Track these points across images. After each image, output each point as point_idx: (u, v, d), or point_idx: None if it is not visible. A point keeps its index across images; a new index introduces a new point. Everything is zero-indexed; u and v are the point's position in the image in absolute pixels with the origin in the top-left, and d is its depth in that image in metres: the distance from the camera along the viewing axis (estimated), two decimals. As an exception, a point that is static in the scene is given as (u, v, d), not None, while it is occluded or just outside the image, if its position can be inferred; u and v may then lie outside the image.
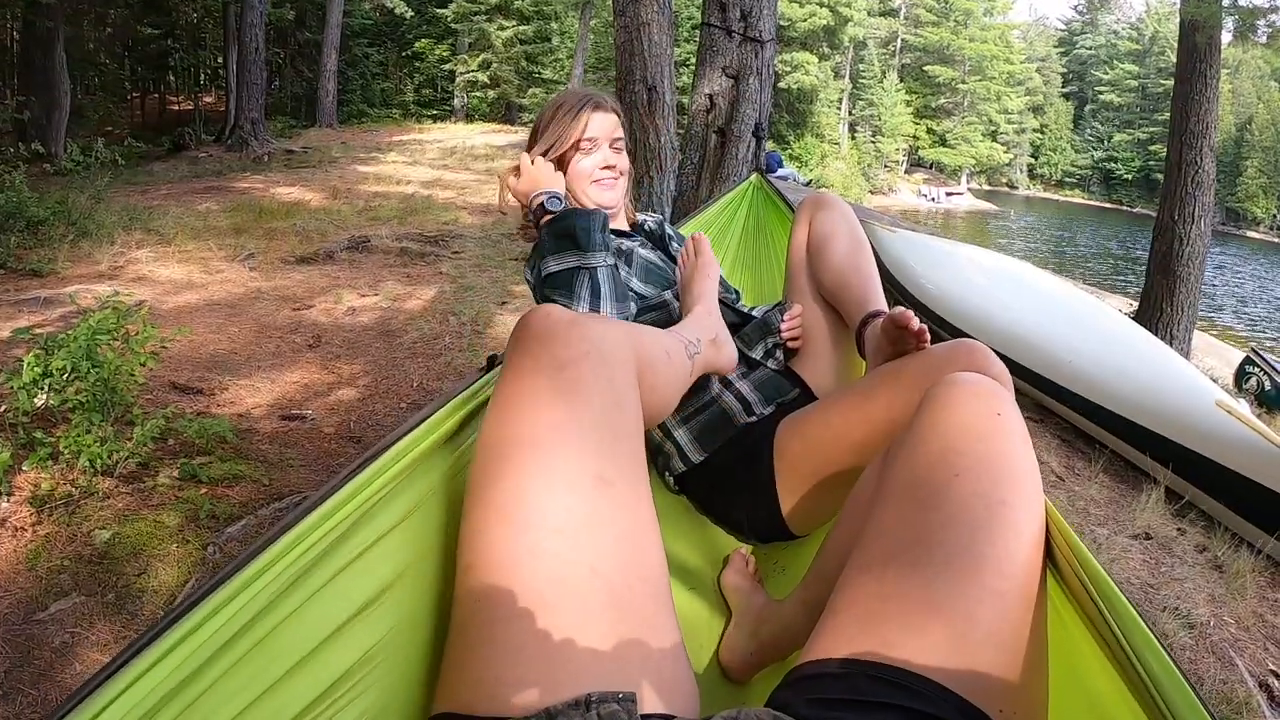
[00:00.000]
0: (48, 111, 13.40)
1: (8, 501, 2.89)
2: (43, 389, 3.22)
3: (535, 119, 2.30)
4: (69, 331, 3.36)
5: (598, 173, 2.22)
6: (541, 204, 2.01)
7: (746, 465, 1.90)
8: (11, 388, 3.18)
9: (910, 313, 1.70)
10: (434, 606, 1.28)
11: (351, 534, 1.18)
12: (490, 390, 1.51)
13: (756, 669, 1.80)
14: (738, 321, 2.17)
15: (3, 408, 3.28)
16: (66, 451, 3.06)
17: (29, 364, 3.19)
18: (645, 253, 2.26)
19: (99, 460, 3.05)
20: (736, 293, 2.50)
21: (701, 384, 2.00)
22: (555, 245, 1.93)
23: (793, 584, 1.81)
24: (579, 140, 2.19)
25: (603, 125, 2.23)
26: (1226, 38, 9.99)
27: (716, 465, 1.95)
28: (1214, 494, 4.42)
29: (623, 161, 2.29)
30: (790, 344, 2.14)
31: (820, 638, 1.12)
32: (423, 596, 1.27)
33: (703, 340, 1.83)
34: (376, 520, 1.23)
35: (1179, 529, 4.21)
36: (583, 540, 1.12)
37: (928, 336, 1.70)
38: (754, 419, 1.98)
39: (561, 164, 2.20)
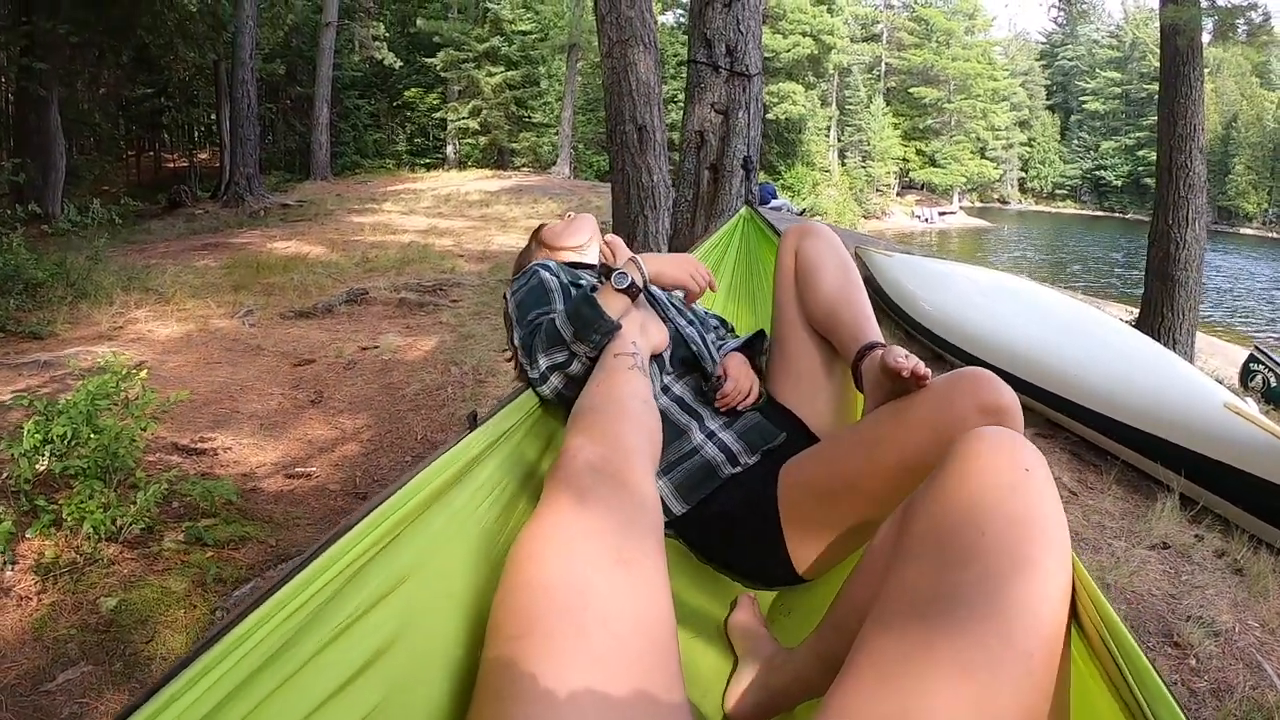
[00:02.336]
0: (44, 172, 13.45)
1: (12, 570, 2.86)
2: (44, 455, 3.19)
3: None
4: (69, 397, 3.34)
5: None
6: (621, 275, 1.99)
7: (749, 514, 1.86)
8: (12, 454, 3.15)
9: (904, 356, 1.66)
10: (432, 670, 1.26)
11: (340, 599, 1.17)
12: (481, 444, 1.66)
13: (765, 719, 1.77)
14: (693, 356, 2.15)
15: (4, 474, 3.25)
16: (70, 518, 3.02)
17: (29, 430, 3.16)
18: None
19: (103, 527, 3.02)
20: (719, 320, 2.50)
21: (682, 433, 1.99)
22: (585, 313, 1.91)
23: (801, 628, 1.78)
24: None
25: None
26: (1206, 38, 10.02)
27: (712, 515, 1.92)
28: (1229, 497, 4.34)
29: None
30: (733, 404, 2.10)
31: (838, 695, 1.09)
32: (420, 661, 1.25)
33: (637, 341, 1.88)
34: (368, 584, 1.22)
35: (1196, 535, 4.14)
36: (609, 615, 1.16)
37: (927, 374, 1.65)
38: (739, 469, 1.95)
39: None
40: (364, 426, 4.86)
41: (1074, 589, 1.17)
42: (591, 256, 2.44)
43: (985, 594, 1.06)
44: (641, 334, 1.91)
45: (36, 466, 3.18)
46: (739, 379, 2.10)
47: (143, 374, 3.67)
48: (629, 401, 1.70)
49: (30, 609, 2.72)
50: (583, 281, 2.21)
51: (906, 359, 1.65)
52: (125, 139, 28.04)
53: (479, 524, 1.57)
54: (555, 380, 1.91)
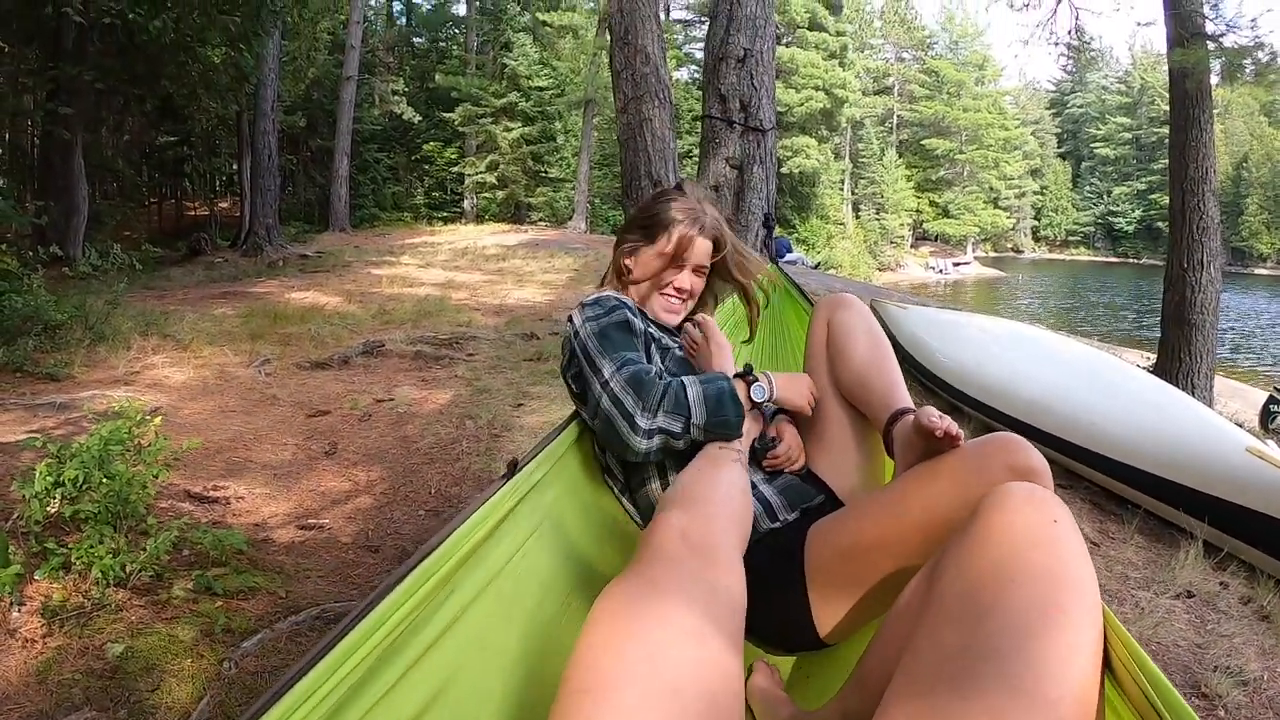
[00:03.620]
0: (66, 216, 13.56)
1: (19, 612, 2.83)
2: (55, 498, 3.18)
3: (649, 211, 2.37)
4: (82, 440, 3.34)
5: (671, 292, 2.31)
6: (761, 388, 2.04)
7: (775, 575, 1.84)
8: (24, 496, 3.14)
9: (938, 415, 1.67)
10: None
11: (383, 666, 1.15)
12: (513, 498, 1.67)
13: None
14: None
15: (15, 515, 3.24)
16: (79, 562, 3.00)
17: (41, 473, 3.15)
18: (680, 354, 2.25)
19: (111, 572, 2.99)
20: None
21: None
22: (727, 412, 1.94)
23: (821, 692, 1.76)
24: (680, 256, 2.29)
25: (702, 251, 2.32)
26: (1214, 80, 10.02)
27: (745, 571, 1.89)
28: (1254, 542, 4.25)
29: (698, 284, 2.37)
30: (779, 467, 2.10)
31: None
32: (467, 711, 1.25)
33: (746, 432, 1.95)
34: (409, 650, 1.22)
35: (1221, 583, 4.09)
36: (680, 686, 1.15)
37: (960, 435, 1.66)
38: (778, 524, 1.94)
39: (648, 266, 2.30)
40: (377, 479, 4.83)
41: (1107, 640, 1.17)
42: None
43: (1015, 647, 1.06)
44: (753, 421, 1.97)
45: (48, 509, 3.16)
46: (792, 444, 2.12)
47: (157, 420, 3.66)
48: (729, 489, 1.72)
49: (36, 651, 2.70)
50: (666, 342, 2.23)
51: (941, 419, 1.65)
52: (148, 186, 28.30)
53: (513, 581, 1.58)
54: (657, 442, 1.89)
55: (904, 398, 1.98)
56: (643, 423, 1.86)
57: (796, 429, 2.20)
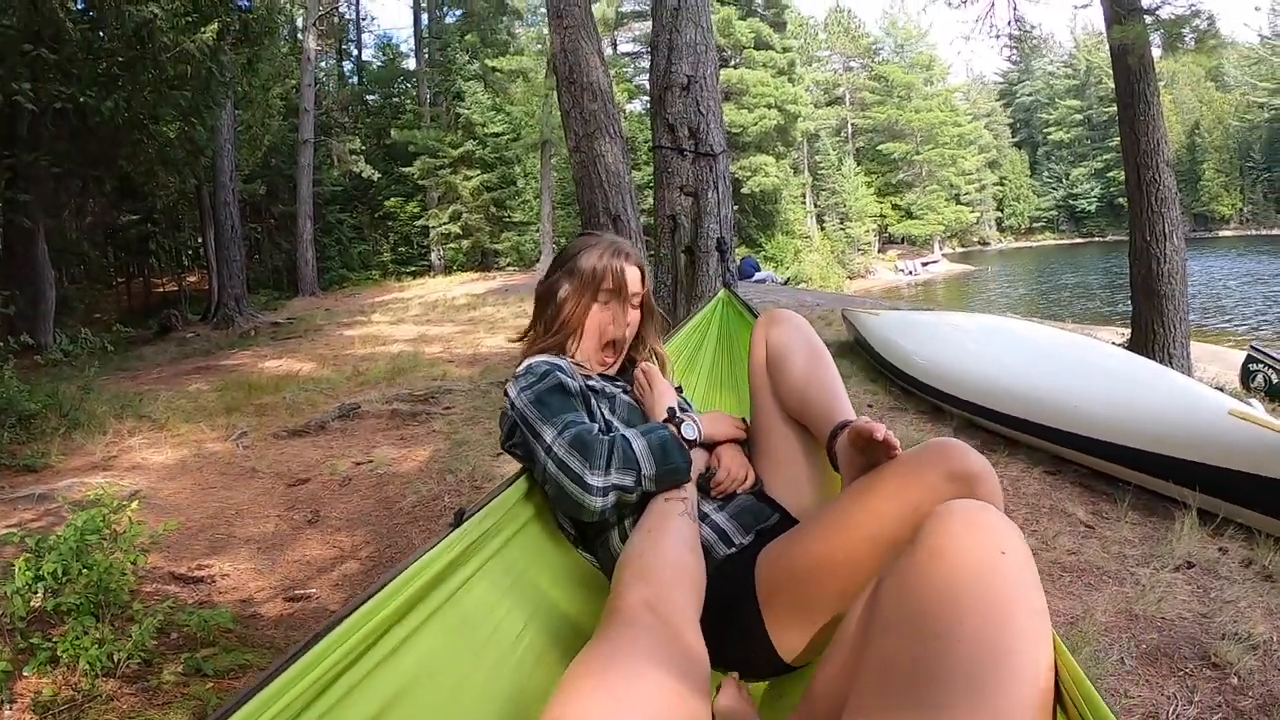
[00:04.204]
0: (34, 303, 13.54)
1: (10, 709, 2.81)
2: (37, 592, 3.16)
3: (570, 255, 2.38)
4: (58, 532, 3.32)
5: (611, 331, 2.31)
6: (690, 426, 2.07)
7: (731, 603, 1.84)
8: (5, 592, 3.12)
9: (872, 423, 1.67)
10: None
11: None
12: (460, 546, 1.69)
13: None
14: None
15: (0, 612, 3.22)
16: (65, 655, 2.98)
17: (20, 568, 3.13)
18: (627, 398, 2.26)
19: (98, 663, 2.97)
20: (687, 405, 2.48)
21: None
22: (674, 460, 1.96)
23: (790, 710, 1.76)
24: (617, 289, 2.30)
25: (634, 279, 2.34)
26: (1157, 53, 10.12)
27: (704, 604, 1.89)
28: (1248, 504, 4.24)
29: (635, 318, 2.36)
30: (728, 490, 2.11)
31: None
32: None
33: (688, 486, 1.97)
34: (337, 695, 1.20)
35: (1220, 549, 4.07)
36: None
37: (897, 444, 1.66)
38: (734, 549, 1.94)
39: (583, 310, 2.29)
40: (362, 543, 4.82)
41: (1057, 670, 1.16)
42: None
43: (965, 682, 1.05)
44: (699, 458, 1.98)
45: (30, 604, 3.14)
46: (731, 467, 2.12)
47: (133, 506, 3.64)
48: (678, 551, 1.74)
49: (30, 751, 2.68)
50: (609, 390, 2.24)
51: (875, 425, 1.66)
52: (114, 266, 28.20)
53: (459, 616, 1.58)
54: (612, 499, 1.88)
55: (845, 410, 1.99)
56: (595, 481, 1.85)
57: (741, 450, 2.21)
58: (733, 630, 1.83)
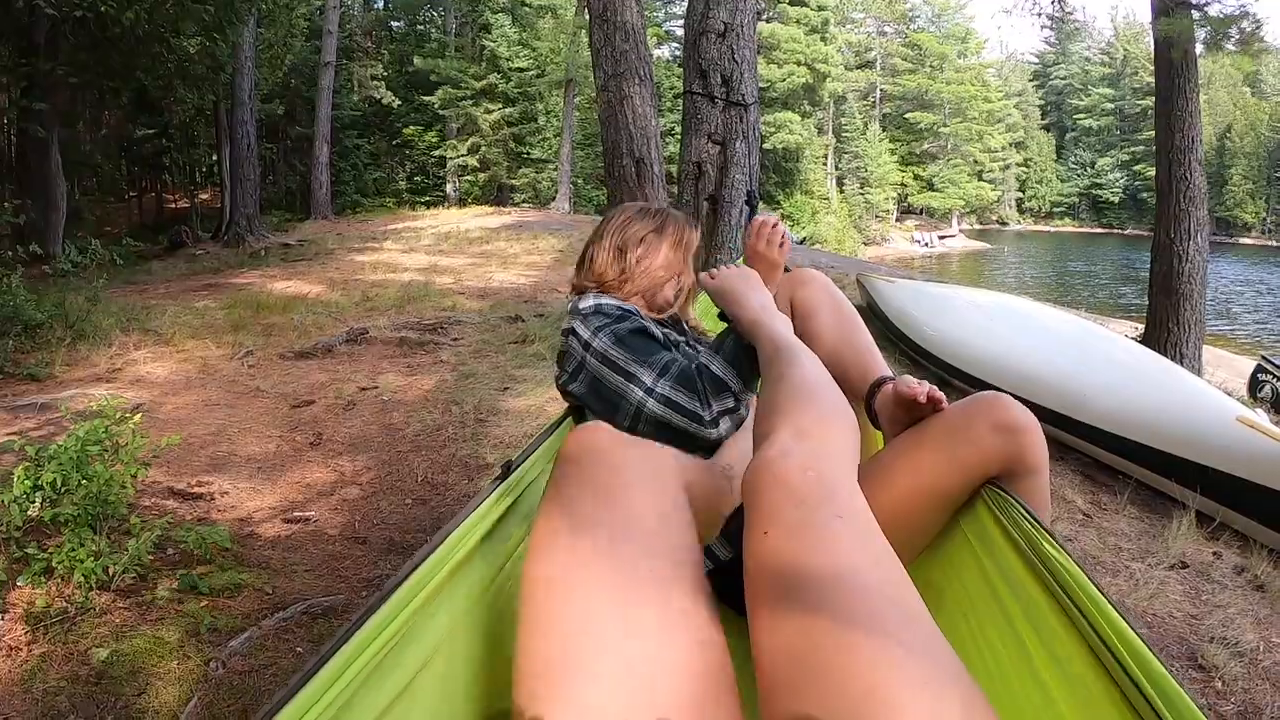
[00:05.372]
0: (45, 213, 13.46)
1: (2, 619, 2.79)
2: (34, 501, 3.13)
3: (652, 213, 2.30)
4: (60, 442, 3.28)
5: (671, 288, 2.28)
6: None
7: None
8: (2, 501, 3.09)
9: (916, 382, 1.66)
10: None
11: (368, 689, 1.05)
12: (507, 500, 1.54)
13: None
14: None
15: (-3, 520, 3.19)
16: (60, 567, 2.95)
17: (19, 477, 3.11)
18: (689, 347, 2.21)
19: (93, 575, 2.95)
20: None
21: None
22: (746, 368, 1.89)
23: None
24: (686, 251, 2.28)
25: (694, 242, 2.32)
26: (1199, 50, 10.02)
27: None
28: (1246, 512, 4.29)
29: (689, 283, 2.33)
30: None
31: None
32: None
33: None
34: (397, 668, 1.12)
35: (1215, 553, 4.12)
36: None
37: (942, 397, 1.65)
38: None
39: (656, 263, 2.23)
40: (363, 469, 4.79)
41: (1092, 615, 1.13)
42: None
43: None
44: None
45: (28, 513, 3.11)
46: None
47: (136, 419, 3.60)
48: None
49: (20, 660, 2.65)
50: (674, 337, 2.16)
51: (920, 384, 1.65)
52: (127, 180, 28.24)
53: (512, 587, 1.49)
54: (725, 422, 1.87)
55: (881, 366, 1.96)
56: (707, 415, 1.84)
57: None
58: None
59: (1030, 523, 1.40)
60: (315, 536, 3.89)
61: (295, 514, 4.13)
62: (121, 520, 3.31)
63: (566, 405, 2.17)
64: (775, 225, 2.30)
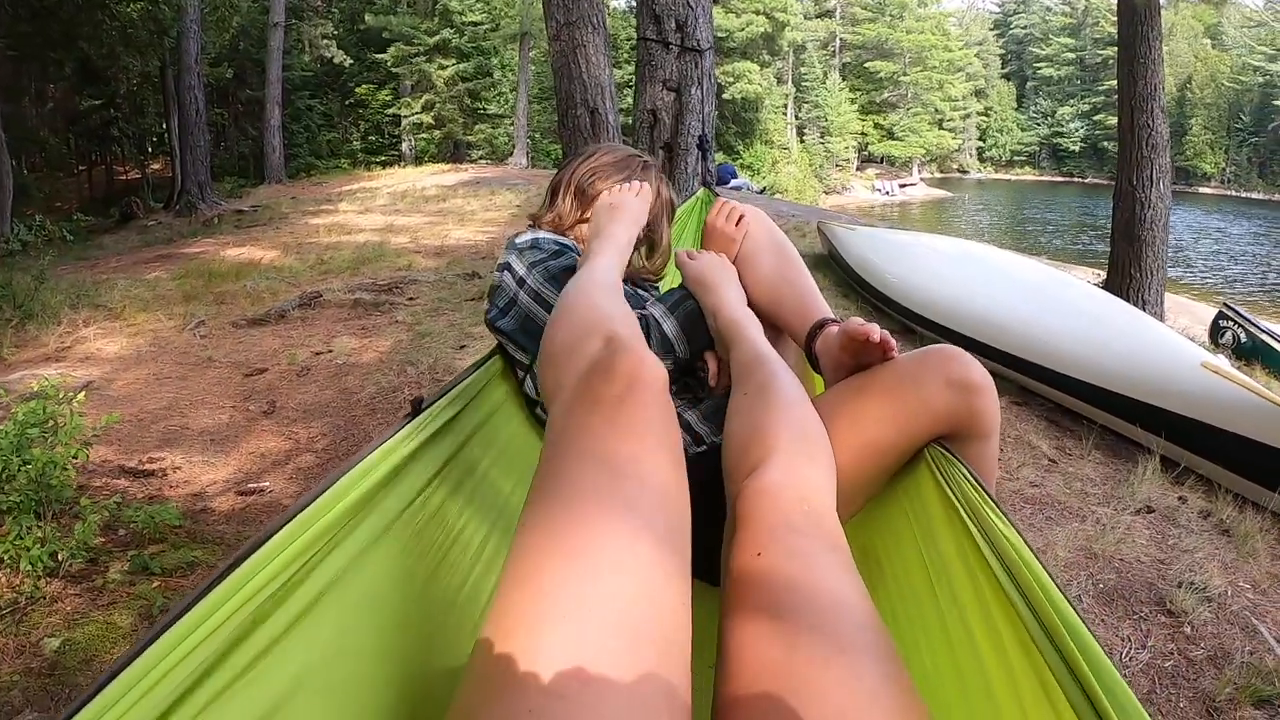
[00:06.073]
0: (-9, 192, 13.20)
1: (-50, 615, 2.72)
2: (-25, 492, 3.05)
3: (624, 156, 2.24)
4: (1, 428, 3.20)
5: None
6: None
7: (704, 501, 1.74)
8: (-56, 494, 3.01)
9: (867, 324, 1.57)
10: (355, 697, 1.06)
11: (252, 628, 0.94)
12: (415, 440, 1.43)
13: None
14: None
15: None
16: (6, 557, 2.88)
17: (-44, 468, 3.03)
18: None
19: (40, 563, 2.87)
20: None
21: None
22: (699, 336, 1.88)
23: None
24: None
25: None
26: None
27: None
28: (1211, 457, 4.36)
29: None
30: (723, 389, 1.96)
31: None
32: (338, 691, 1.04)
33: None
34: (284, 611, 1.00)
35: (1180, 497, 4.16)
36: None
37: (894, 345, 1.57)
38: (703, 449, 1.84)
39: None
40: (318, 435, 4.72)
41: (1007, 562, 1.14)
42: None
43: None
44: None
45: (-31, 503, 3.03)
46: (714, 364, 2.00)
47: (78, 397, 3.51)
48: None
49: (-29, 655, 2.59)
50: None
51: (870, 325, 1.56)
52: (75, 153, 27.71)
53: (413, 531, 1.38)
54: None
55: (822, 308, 1.87)
56: None
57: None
58: (700, 527, 1.75)
59: (975, 488, 1.33)
60: (270, 508, 3.84)
61: (250, 486, 4.07)
62: (70, 503, 3.24)
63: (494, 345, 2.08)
64: (735, 206, 2.23)
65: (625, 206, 1.95)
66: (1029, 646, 1.05)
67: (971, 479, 1.35)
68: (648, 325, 1.83)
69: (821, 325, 1.78)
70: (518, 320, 1.93)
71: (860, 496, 1.63)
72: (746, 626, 1.04)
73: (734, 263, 2.04)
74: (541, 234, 2.04)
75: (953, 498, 1.37)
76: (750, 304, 1.97)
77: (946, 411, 1.49)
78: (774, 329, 1.98)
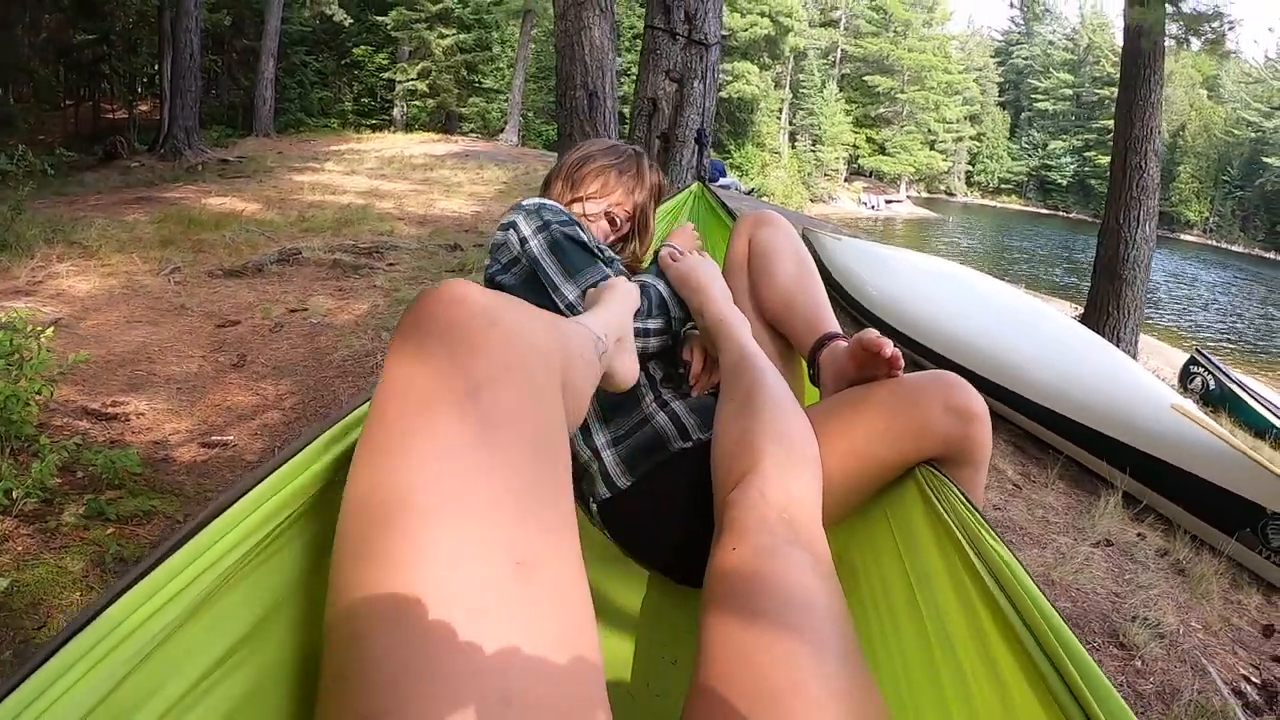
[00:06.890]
0: (-27, 119, 13.02)
1: (-104, 544, 2.67)
2: (-68, 421, 3.00)
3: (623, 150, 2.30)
4: (-37, 357, 3.15)
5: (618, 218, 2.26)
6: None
7: (686, 498, 1.72)
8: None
9: (881, 337, 1.58)
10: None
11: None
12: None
13: None
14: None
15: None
16: (-42, 491, 2.83)
17: (-83, 394, 2.97)
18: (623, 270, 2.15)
19: (-7, 499, 2.83)
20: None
21: (633, 399, 1.87)
22: (669, 295, 1.94)
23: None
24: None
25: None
26: (1169, 44, 10.09)
27: (645, 493, 1.78)
28: (1173, 497, 4.45)
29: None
30: (702, 389, 1.97)
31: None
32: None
33: (609, 338, 1.50)
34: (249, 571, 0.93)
35: (1139, 534, 4.22)
36: (493, 658, 0.77)
37: (901, 363, 1.58)
38: (690, 444, 1.80)
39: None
40: (287, 393, 4.67)
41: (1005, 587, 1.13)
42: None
43: None
44: (618, 346, 1.77)
45: (-74, 432, 2.98)
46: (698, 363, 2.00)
47: (46, 333, 3.46)
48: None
49: (-85, 589, 2.54)
50: (609, 255, 2.08)
51: (885, 339, 1.58)
52: (64, 87, 27.36)
53: None
54: (654, 342, 1.88)
55: (831, 322, 1.89)
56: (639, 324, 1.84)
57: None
58: (680, 525, 1.74)
59: (966, 506, 1.32)
60: (233, 462, 3.79)
61: (213, 438, 4.03)
62: (29, 440, 3.19)
63: None
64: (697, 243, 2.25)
65: (699, 273, 1.96)
66: (1019, 653, 1.06)
67: (963, 499, 1.35)
68: (645, 289, 1.86)
69: (830, 338, 1.81)
70: (520, 278, 1.93)
71: (842, 507, 1.62)
72: (719, 618, 1.06)
73: (752, 265, 2.09)
74: (548, 200, 2.03)
75: (942, 512, 1.36)
76: (763, 306, 2.03)
77: (942, 435, 1.50)
78: (781, 339, 2.03)
